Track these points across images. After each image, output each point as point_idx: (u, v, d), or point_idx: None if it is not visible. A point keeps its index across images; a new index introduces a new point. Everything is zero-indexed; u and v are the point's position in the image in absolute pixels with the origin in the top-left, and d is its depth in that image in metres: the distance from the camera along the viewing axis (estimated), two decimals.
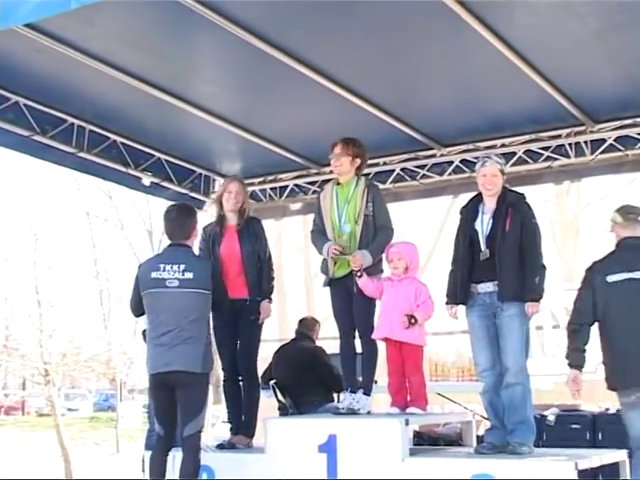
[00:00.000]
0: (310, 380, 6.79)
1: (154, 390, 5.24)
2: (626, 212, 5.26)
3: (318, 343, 7.30)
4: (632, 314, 4.99)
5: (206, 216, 8.75)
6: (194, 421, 5.09)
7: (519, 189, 5.58)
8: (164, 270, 5.17)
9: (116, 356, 24.33)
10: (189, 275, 5.15)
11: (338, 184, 5.78)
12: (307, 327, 7.35)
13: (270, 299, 6.01)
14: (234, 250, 5.95)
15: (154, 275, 5.18)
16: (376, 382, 5.70)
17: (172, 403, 5.15)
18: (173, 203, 5.84)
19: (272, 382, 6.89)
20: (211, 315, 5.56)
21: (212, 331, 5.66)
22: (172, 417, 5.19)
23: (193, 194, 9.33)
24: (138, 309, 5.41)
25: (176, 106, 7.49)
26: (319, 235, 5.75)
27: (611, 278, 5.06)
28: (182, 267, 5.16)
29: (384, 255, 5.62)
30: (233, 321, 5.84)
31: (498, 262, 5.16)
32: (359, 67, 6.81)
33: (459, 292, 5.33)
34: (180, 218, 5.39)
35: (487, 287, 5.23)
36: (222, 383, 6.02)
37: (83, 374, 28.22)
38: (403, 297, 5.42)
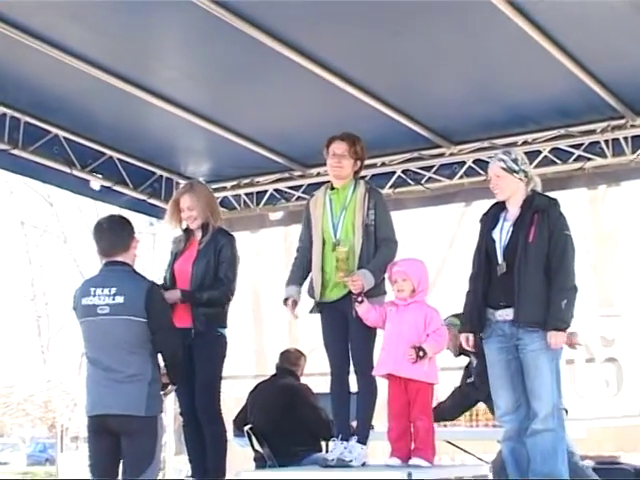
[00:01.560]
0: (292, 425, 6.80)
1: (92, 435, 5.25)
2: None
3: (303, 380, 7.29)
4: None
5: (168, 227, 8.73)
6: (143, 475, 5.11)
7: None
8: (95, 295, 5.21)
9: (56, 396, 24.18)
10: (120, 299, 5.16)
11: (332, 189, 5.77)
12: (290, 361, 7.36)
13: (185, 298, 5.89)
14: (186, 270, 6.02)
15: (85, 301, 5.24)
16: (372, 427, 5.69)
17: (112, 452, 5.17)
18: (104, 216, 5.83)
19: (247, 428, 6.88)
20: None
21: None
22: (109, 469, 5.21)
23: (152, 200, 9.35)
24: None
25: (132, 94, 7.50)
26: (299, 260, 5.76)
27: None
28: (113, 290, 5.18)
29: (386, 274, 5.59)
30: (186, 355, 5.80)
31: (516, 279, 5.17)
32: (354, 50, 6.84)
33: (474, 318, 5.36)
34: (112, 230, 5.40)
35: (506, 314, 5.24)
36: (182, 429, 6.06)
37: (15, 419, 28.02)
38: (410, 325, 5.42)
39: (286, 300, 5.68)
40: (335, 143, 5.72)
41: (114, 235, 5.36)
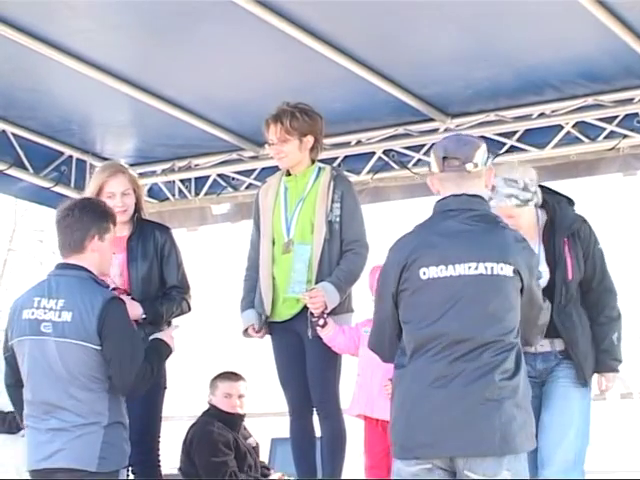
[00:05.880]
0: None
1: None
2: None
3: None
4: None
5: None
6: None
7: (568, 182, 5.58)
8: (39, 306, 5.10)
9: None
10: (67, 316, 5.05)
11: (288, 175, 5.86)
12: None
13: (152, 317, 5.86)
14: (116, 275, 5.93)
15: (26, 314, 5.12)
16: None
17: None
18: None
19: None
20: None
21: None
22: None
23: (59, 188, 9.32)
24: (14, 375, 5.24)
25: (31, 50, 7.40)
26: (252, 273, 5.84)
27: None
28: (61, 303, 5.07)
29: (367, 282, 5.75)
30: None
31: (562, 329, 5.24)
32: None
33: None
34: (76, 217, 5.20)
35: (540, 345, 5.23)
36: None
37: None
38: None
39: (246, 331, 5.71)
40: (268, 129, 5.82)
41: (72, 225, 5.18)
